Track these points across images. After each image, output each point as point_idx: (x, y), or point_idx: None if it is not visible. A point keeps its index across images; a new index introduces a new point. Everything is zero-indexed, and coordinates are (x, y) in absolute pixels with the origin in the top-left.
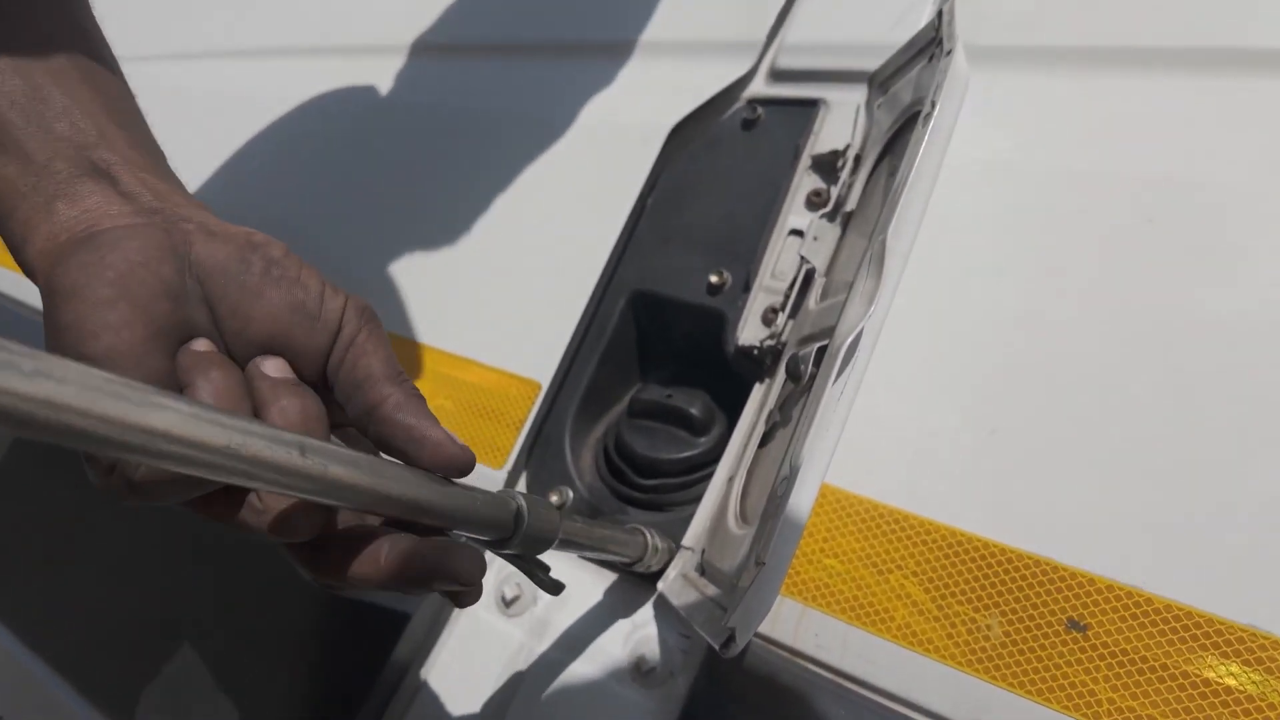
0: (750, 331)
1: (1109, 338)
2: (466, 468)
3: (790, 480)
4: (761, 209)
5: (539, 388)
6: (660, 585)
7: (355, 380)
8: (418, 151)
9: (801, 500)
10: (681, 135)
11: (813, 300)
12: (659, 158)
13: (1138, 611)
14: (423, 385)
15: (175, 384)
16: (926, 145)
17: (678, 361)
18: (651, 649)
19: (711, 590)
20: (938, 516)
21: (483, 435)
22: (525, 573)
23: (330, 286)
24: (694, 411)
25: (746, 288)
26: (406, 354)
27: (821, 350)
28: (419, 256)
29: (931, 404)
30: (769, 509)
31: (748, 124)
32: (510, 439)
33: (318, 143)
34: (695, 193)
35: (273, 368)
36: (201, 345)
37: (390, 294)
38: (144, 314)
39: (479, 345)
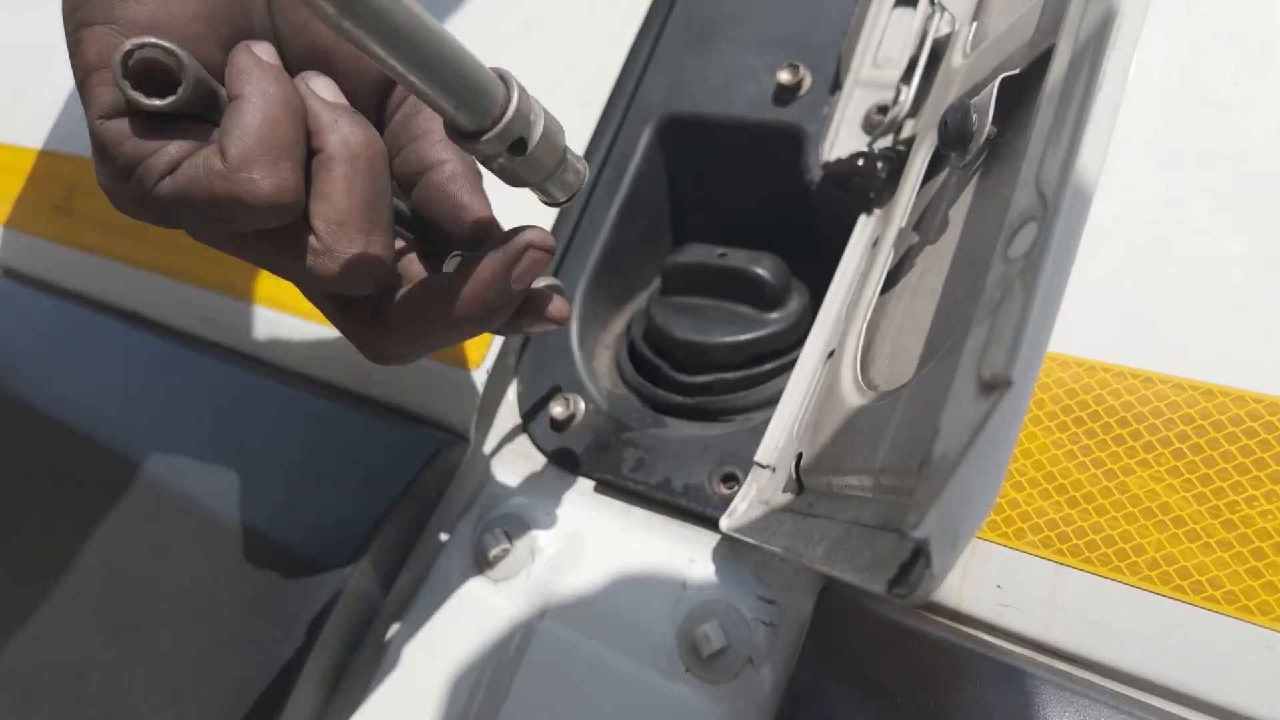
0: (846, 142)
1: None
2: (533, 267)
3: (1047, 215)
4: None
5: None
6: (724, 523)
7: (412, 131)
8: None
9: (1068, 243)
10: None
11: (957, 55)
12: None
13: None
14: None
15: (221, 79)
16: None
17: (729, 217)
18: (715, 623)
19: (834, 507)
20: (1209, 375)
21: None
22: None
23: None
24: (761, 273)
25: (836, 87)
26: None
27: (1010, 81)
28: None
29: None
30: (1005, 277)
31: None
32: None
33: None
34: None
35: (324, 88)
36: (264, 52)
37: None
38: None
39: None
